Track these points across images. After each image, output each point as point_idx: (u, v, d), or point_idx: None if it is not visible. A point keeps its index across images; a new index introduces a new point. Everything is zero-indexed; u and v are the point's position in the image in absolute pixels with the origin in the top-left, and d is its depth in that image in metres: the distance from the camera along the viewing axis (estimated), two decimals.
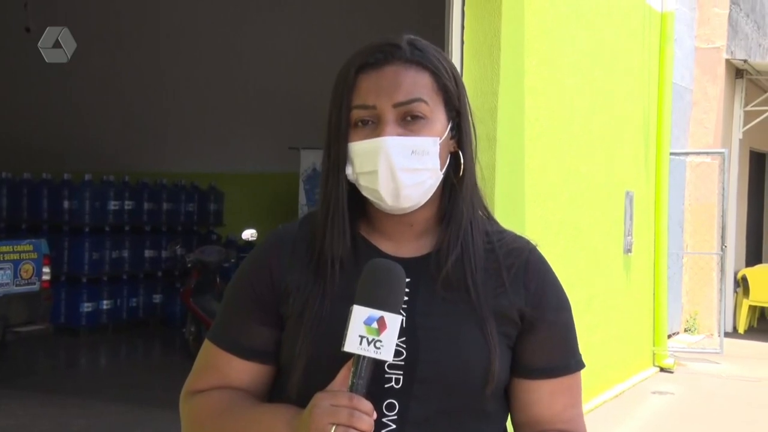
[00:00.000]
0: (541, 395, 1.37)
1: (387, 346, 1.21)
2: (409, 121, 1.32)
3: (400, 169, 1.30)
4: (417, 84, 1.33)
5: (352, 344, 1.21)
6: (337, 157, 1.34)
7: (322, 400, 1.21)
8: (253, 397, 1.37)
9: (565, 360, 1.39)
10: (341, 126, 1.34)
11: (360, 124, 1.33)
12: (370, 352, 1.21)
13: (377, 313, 1.21)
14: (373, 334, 1.21)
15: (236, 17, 10.79)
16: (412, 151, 1.31)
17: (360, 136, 1.33)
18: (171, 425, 5.73)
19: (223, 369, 1.38)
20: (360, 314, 1.22)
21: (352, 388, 1.21)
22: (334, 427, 1.19)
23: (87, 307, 9.26)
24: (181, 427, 1.43)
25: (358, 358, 1.22)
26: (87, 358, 8.91)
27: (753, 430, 6.44)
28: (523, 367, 1.37)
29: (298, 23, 10.47)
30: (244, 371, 1.38)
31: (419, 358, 1.29)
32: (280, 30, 10.57)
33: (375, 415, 1.22)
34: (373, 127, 1.32)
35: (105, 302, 9.43)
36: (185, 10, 10.92)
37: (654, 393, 7.34)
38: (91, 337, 9.22)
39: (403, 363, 1.29)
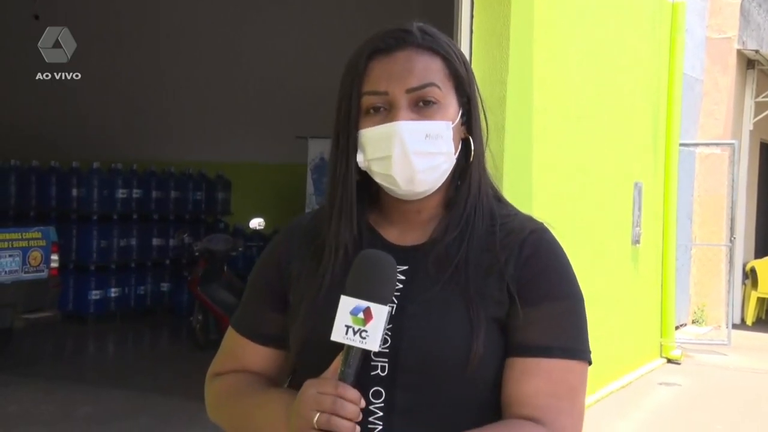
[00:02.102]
0: (512, 373, 1.29)
1: (373, 336, 1.22)
2: (422, 106, 1.31)
3: (414, 153, 1.29)
4: (429, 69, 1.32)
5: (338, 333, 1.23)
6: (347, 145, 1.34)
7: (310, 388, 1.23)
8: (265, 381, 1.42)
9: (546, 341, 1.29)
10: (351, 113, 1.33)
11: (371, 111, 1.32)
12: (356, 341, 1.22)
13: (363, 303, 1.23)
14: (359, 324, 1.22)
15: (244, 5, 10.77)
16: (426, 135, 1.30)
17: (371, 122, 1.32)
18: (176, 412, 5.77)
19: (241, 354, 1.44)
20: (347, 304, 1.23)
21: (341, 377, 1.23)
22: (317, 414, 1.19)
23: (95, 294, 9.29)
24: (206, 407, 1.50)
25: (348, 348, 1.23)
26: (94, 345, 8.94)
27: (760, 421, 6.43)
28: (506, 346, 1.31)
29: (308, 11, 10.45)
30: (259, 356, 1.43)
31: (402, 346, 1.28)
32: (288, 19, 10.55)
33: (363, 404, 1.22)
34: (385, 113, 1.31)
35: (113, 290, 9.47)
36: None
37: (661, 384, 7.33)
38: (99, 324, 9.25)
39: (388, 351, 1.28)
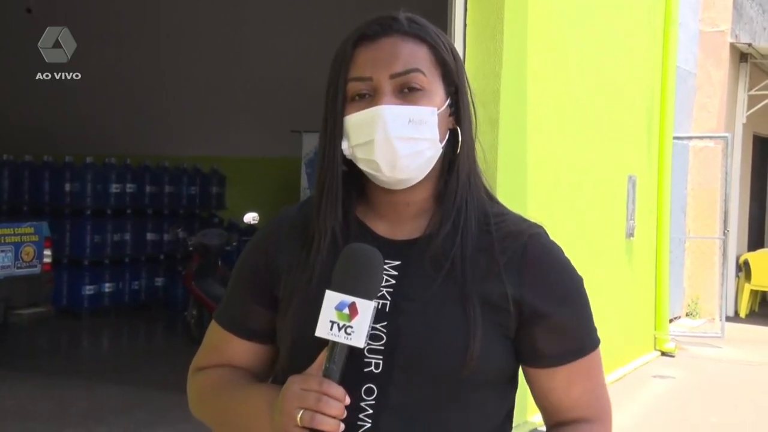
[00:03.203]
0: (556, 383, 1.35)
1: (358, 333, 1.20)
2: (407, 92, 1.30)
3: (396, 137, 1.27)
4: (415, 56, 1.31)
5: (323, 329, 1.21)
6: (333, 132, 1.32)
7: (293, 384, 1.21)
8: (250, 376, 1.39)
9: (579, 343, 1.35)
10: (338, 100, 1.31)
11: (357, 97, 1.31)
12: (340, 337, 1.20)
13: (349, 298, 1.20)
14: (344, 319, 1.20)
15: (241, 1, 10.74)
16: (409, 120, 1.28)
17: (356, 108, 1.31)
18: (172, 407, 5.76)
19: (224, 348, 1.41)
20: (332, 299, 1.21)
21: (326, 373, 1.21)
22: (301, 412, 1.18)
23: (89, 290, 9.27)
24: (188, 401, 1.47)
25: (333, 344, 1.21)
26: (89, 340, 8.93)
27: (754, 414, 6.45)
28: (535, 356, 1.33)
29: (303, 7, 10.42)
30: (244, 350, 1.40)
31: (398, 343, 1.26)
32: (283, 13, 10.53)
33: (348, 401, 1.20)
34: (370, 99, 1.30)
35: (107, 285, 9.44)
36: None
37: (655, 377, 7.35)
38: (93, 319, 9.23)
39: (383, 348, 1.26)
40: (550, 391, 1.35)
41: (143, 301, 9.94)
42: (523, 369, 1.36)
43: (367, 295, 1.22)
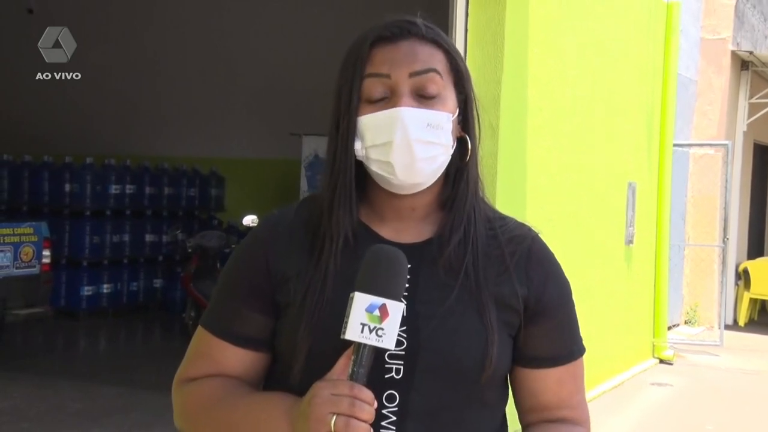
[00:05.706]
0: (548, 383, 1.37)
1: (389, 335, 1.18)
2: (423, 96, 1.30)
3: (415, 140, 1.27)
4: (433, 57, 1.32)
5: (353, 332, 1.17)
6: (347, 131, 1.31)
7: (322, 390, 1.18)
8: (247, 386, 1.34)
9: (569, 347, 1.39)
10: (353, 98, 1.30)
11: (372, 98, 1.30)
12: (371, 340, 1.17)
13: (379, 300, 1.18)
14: (375, 321, 1.17)
15: (240, 2, 10.75)
16: (428, 124, 1.29)
17: (372, 110, 1.30)
18: (168, 409, 5.73)
19: (217, 356, 1.35)
20: (362, 301, 1.18)
21: (353, 377, 1.18)
22: (334, 417, 1.15)
23: (87, 290, 9.27)
24: (174, 414, 1.41)
25: (358, 347, 1.18)
26: (86, 341, 8.92)
27: (752, 422, 6.44)
28: (528, 357, 1.36)
29: (303, 8, 10.43)
30: (238, 359, 1.35)
31: (420, 348, 1.26)
32: (283, 16, 10.53)
33: (376, 404, 1.18)
34: (387, 101, 1.30)
35: (105, 286, 9.44)
36: None
37: (653, 384, 7.34)
38: (91, 320, 9.23)
39: (403, 353, 1.25)
40: (541, 391, 1.38)
41: (141, 302, 9.93)
42: (512, 370, 1.38)
43: (396, 297, 1.20)
